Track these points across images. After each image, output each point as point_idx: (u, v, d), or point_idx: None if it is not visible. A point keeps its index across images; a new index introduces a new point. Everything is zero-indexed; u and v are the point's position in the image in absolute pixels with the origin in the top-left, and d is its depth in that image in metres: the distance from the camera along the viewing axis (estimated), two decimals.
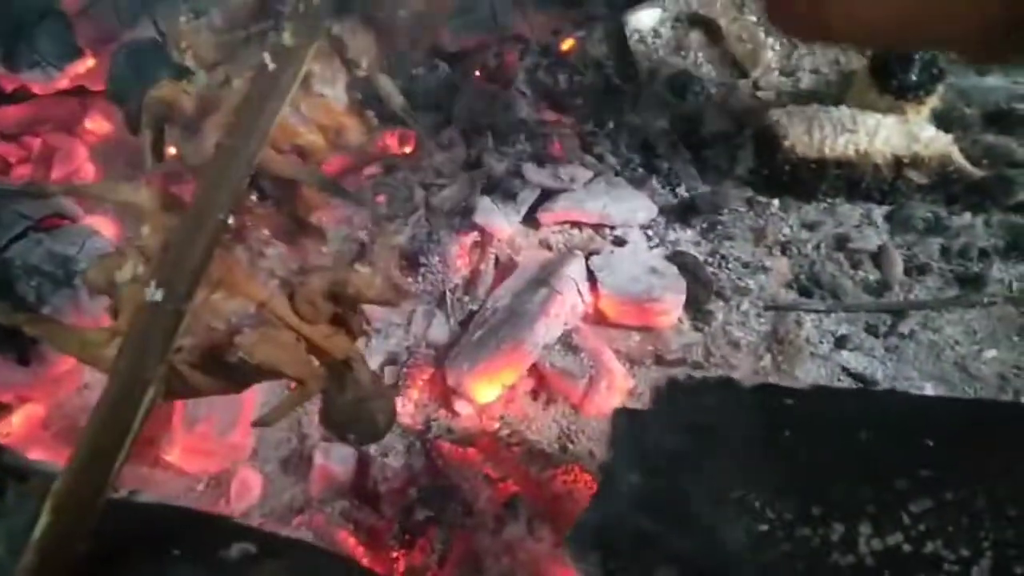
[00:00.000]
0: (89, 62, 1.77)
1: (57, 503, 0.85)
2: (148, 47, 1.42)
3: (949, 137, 1.65)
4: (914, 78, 1.64)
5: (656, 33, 2.07)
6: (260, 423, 1.04)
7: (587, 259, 1.60)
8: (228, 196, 0.96)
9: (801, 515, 0.96)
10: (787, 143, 1.70)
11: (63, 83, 1.79)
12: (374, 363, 1.58)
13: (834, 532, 0.94)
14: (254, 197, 1.05)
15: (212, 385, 0.99)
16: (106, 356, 0.92)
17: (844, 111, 1.69)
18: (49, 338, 1.02)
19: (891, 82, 1.65)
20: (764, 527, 0.97)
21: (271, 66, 1.00)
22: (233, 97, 1.02)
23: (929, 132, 1.64)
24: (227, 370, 0.98)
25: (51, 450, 1.48)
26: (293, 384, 1.06)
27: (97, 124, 1.93)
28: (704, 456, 1.05)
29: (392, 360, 1.58)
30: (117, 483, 0.89)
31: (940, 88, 1.70)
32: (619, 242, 1.66)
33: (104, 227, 1.67)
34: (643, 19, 2.07)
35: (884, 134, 1.64)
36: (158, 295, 0.90)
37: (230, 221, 0.96)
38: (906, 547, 0.93)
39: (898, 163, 1.66)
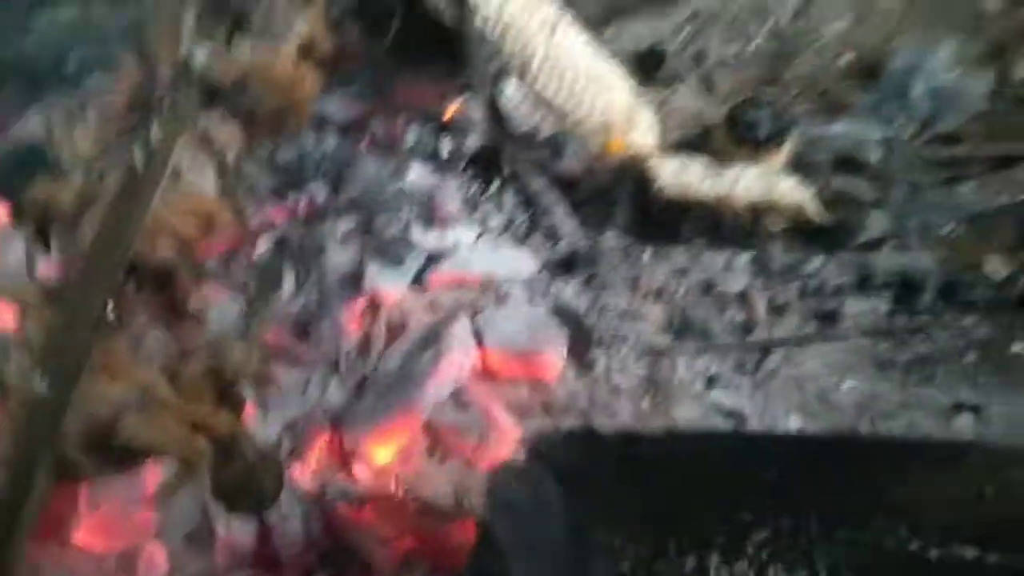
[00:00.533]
0: None
1: None
2: (30, 144, 1.46)
3: (803, 188, 1.78)
4: (765, 130, 1.77)
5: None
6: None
7: (473, 317, 1.69)
8: (106, 287, 1.03)
9: (657, 551, 1.05)
10: (656, 187, 1.82)
11: None
12: (272, 431, 1.64)
13: (686, 565, 1.04)
14: (133, 286, 1.12)
15: (102, 469, 1.05)
16: None
17: (708, 160, 1.82)
18: None
19: (746, 135, 1.77)
20: (625, 565, 1.06)
21: (141, 161, 1.08)
22: (108, 192, 1.09)
23: (786, 182, 1.77)
24: (115, 453, 1.04)
25: None
26: None
27: None
28: (572, 504, 1.13)
29: (290, 427, 1.64)
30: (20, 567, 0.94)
31: (792, 137, 1.84)
32: (503, 299, 1.75)
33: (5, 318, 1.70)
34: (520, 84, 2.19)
35: (744, 182, 1.77)
36: (43, 385, 0.97)
37: (109, 310, 1.03)
38: (750, 574, 1.03)
39: (756, 209, 1.79)
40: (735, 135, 1.79)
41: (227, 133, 1.21)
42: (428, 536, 1.47)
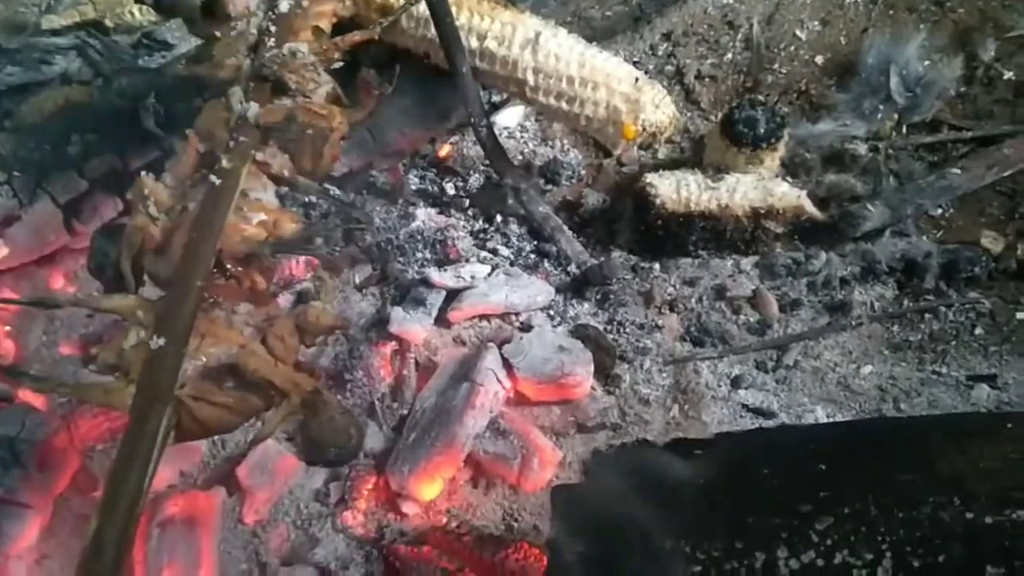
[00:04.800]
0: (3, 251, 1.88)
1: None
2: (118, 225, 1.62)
3: (798, 190, 1.85)
4: (763, 128, 1.84)
5: (522, 128, 2.26)
6: (258, 440, 1.41)
7: (500, 348, 1.73)
8: (203, 270, 1.30)
9: (727, 551, 1.11)
10: (658, 201, 1.88)
11: None
12: (318, 480, 1.68)
13: (756, 560, 1.09)
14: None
15: (213, 415, 1.28)
16: (125, 400, 1.23)
17: (705, 173, 1.89)
18: (75, 393, 1.44)
19: (743, 136, 1.83)
20: (697, 568, 1.11)
21: (217, 182, 1.37)
22: (190, 217, 1.36)
23: (782, 187, 1.85)
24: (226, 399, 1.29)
25: None
26: None
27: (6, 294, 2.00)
28: (636, 515, 1.18)
29: (335, 476, 1.68)
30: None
31: (786, 135, 1.89)
32: (526, 328, 1.80)
33: (36, 400, 1.73)
34: (508, 117, 2.26)
35: (742, 190, 1.84)
36: (161, 342, 1.23)
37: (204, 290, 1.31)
38: (819, 562, 1.08)
39: (756, 215, 1.86)
40: (732, 136, 1.84)
41: (281, 160, 1.48)
42: (487, 565, 1.50)
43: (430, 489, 1.62)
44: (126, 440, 1.21)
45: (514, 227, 2.03)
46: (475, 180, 2.10)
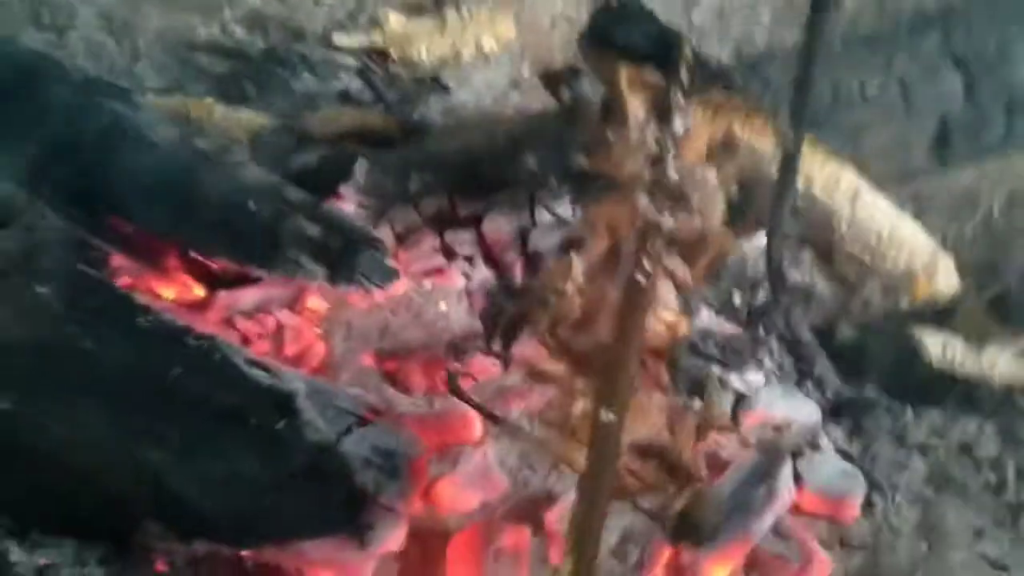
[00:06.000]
0: (405, 284, 2.07)
1: None
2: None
3: None
4: None
5: None
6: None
7: (793, 460, 1.97)
8: (633, 355, 1.50)
9: None
10: (925, 357, 2.15)
11: None
12: (613, 539, 1.89)
13: None
14: None
15: (632, 485, 1.57)
16: (579, 460, 1.45)
17: (967, 339, 2.16)
18: (537, 445, 1.81)
19: (1012, 319, 2.12)
20: None
21: (642, 281, 1.53)
22: (610, 303, 1.55)
23: None
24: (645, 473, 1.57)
25: None
26: None
27: (317, 304, 2.18)
28: None
29: (629, 537, 1.89)
30: None
31: None
32: (812, 443, 2.04)
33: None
34: (760, 237, 2.49)
35: (1002, 364, 2.12)
36: (610, 416, 1.40)
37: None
38: None
39: (1010, 388, 2.13)
40: (999, 315, 2.13)
41: (681, 270, 1.69)
42: None
43: (718, 572, 1.84)
44: (582, 503, 1.42)
45: (776, 344, 2.27)
46: (760, 295, 2.34)
